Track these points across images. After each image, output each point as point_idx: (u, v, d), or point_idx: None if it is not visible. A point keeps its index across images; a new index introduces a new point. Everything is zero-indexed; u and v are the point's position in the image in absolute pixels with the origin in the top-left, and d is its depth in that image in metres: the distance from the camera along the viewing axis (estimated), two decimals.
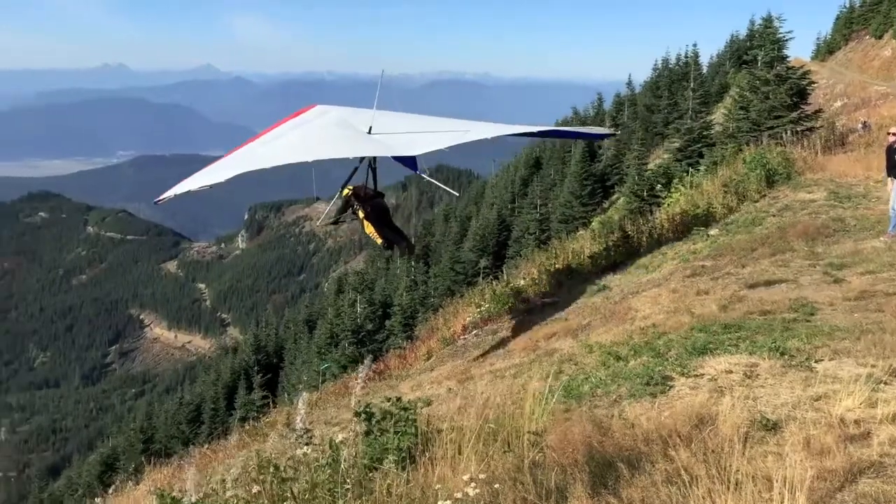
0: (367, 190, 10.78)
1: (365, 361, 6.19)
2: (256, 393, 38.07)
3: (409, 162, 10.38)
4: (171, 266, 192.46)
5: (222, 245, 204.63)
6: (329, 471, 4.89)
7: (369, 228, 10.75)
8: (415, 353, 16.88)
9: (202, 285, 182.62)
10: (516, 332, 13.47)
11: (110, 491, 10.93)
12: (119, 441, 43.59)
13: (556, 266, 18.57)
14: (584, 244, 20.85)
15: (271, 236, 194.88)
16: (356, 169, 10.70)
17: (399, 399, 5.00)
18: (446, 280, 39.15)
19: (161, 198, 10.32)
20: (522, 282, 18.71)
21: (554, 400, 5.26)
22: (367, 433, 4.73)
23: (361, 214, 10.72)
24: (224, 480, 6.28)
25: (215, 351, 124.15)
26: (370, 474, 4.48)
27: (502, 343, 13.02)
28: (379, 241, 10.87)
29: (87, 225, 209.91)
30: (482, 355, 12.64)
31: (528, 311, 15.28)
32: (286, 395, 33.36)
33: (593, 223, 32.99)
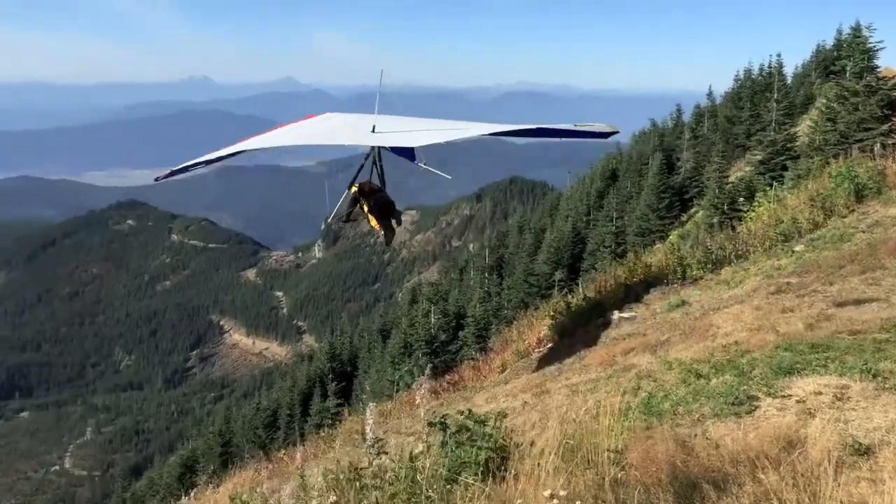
0: (372, 185, 11.17)
1: (425, 373, 6.19)
2: (331, 400, 38.59)
3: (408, 154, 10.57)
4: (251, 274, 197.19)
5: (299, 254, 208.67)
6: (408, 481, 4.91)
7: (373, 222, 11.29)
8: (489, 365, 16.85)
9: (279, 293, 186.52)
10: (592, 346, 13.31)
11: (192, 494, 11.24)
12: (198, 444, 44.73)
13: (633, 280, 18.29)
14: (661, 258, 20.48)
15: (347, 246, 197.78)
16: (362, 166, 11.21)
17: (471, 412, 5.01)
18: (520, 292, 38.94)
19: (161, 175, 10.87)
20: (598, 295, 18.50)
21: (634, 417, 5.18)
22: (444, 445, 4.74)
23: (366, 208, 11.19)
24: (305, 488, 6.38)
25: (291, 358, 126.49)
26: (449, 487, 4.49)
27: (578, 357, 12.87)
28: (382, 234, 11.37)
29: (171, 233, 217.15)
30: (557, 369, 12.54)
31: (604, 326, 15.09)
32: (360, 404, 33.72)
33: (671, 236, 32.36)
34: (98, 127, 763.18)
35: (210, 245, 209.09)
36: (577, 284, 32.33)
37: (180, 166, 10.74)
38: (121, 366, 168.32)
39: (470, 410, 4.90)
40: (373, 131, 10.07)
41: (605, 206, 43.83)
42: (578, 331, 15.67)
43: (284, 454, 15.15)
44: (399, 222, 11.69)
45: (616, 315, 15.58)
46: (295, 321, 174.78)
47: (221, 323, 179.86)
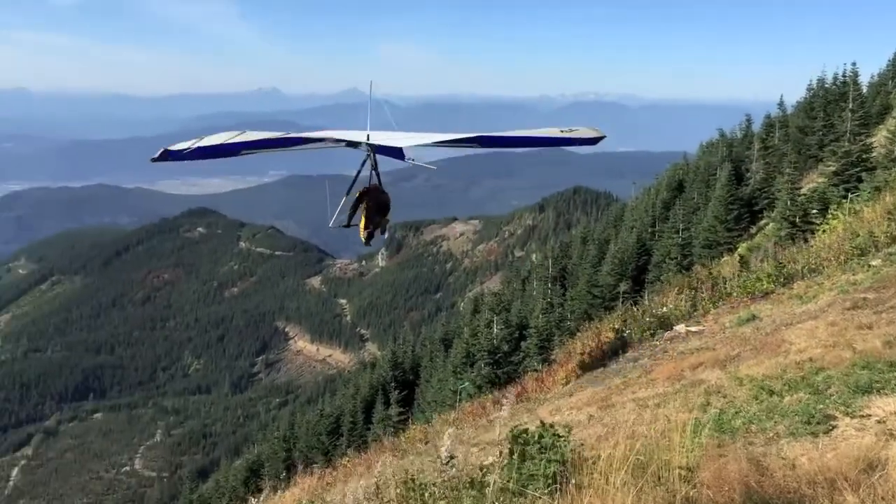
0: (376, 186, 11.68)
1: (508, 389, 6.21)
2: (393, 409, 38.78)
3: (397, 153, 10.75)
4: (315, 281, 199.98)
5: (363, 262, 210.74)
6: (474, 493, 4.92)
7: (362, 222, 11.67)
8: (552, 376, 16.73)
9: (343, 301, 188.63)
10: (659, 360, 13.11)
11: (262, 497, 11.43)
12: (263, 448, 45.50)
13: (701, 293, 17.96)
14: (730, 271, 20.06)
15: (410, 255, 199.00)
16: (358, 173, 11.74)
17: (548, 425, 4.98)
18: (583, 303, 38.56)
19: (155, 157, 10.59)
20: (664, 308, 18.21)
21: (705, 434, 5.09)
22: (513, 457, 4.73)
23: (365, 207, 11.65)
24: (368, 495, 6.44)
25: (354, 365, 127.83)
26: (517, 500, 4.48)
27: (644, 371, 12.70)
28: (363, 235, 11.80)
29: (239, 240, 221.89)
30: (623, 383, 12.38)
31: (671, 339, 14.85)
32: (422, 413, 33.81)
33: (739, 249, 31.64)
34: (171, 137, 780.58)
35: (276, 253, 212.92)
36: (642, 296, 31.87)
37: (177, 148, 10.50)
38: (190, 370, 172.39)
39: (542, 423, 4.88)
40: (367, 139, 11.00)
41: (670, 217, 43.08)
42: (644, 344, 15.46)
43: (348, 461, 15.30)
44: (384, 231, 12.23)
45: (683, 328, 15.31)
46: (358, 329, 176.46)
47: (287, 329, 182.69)
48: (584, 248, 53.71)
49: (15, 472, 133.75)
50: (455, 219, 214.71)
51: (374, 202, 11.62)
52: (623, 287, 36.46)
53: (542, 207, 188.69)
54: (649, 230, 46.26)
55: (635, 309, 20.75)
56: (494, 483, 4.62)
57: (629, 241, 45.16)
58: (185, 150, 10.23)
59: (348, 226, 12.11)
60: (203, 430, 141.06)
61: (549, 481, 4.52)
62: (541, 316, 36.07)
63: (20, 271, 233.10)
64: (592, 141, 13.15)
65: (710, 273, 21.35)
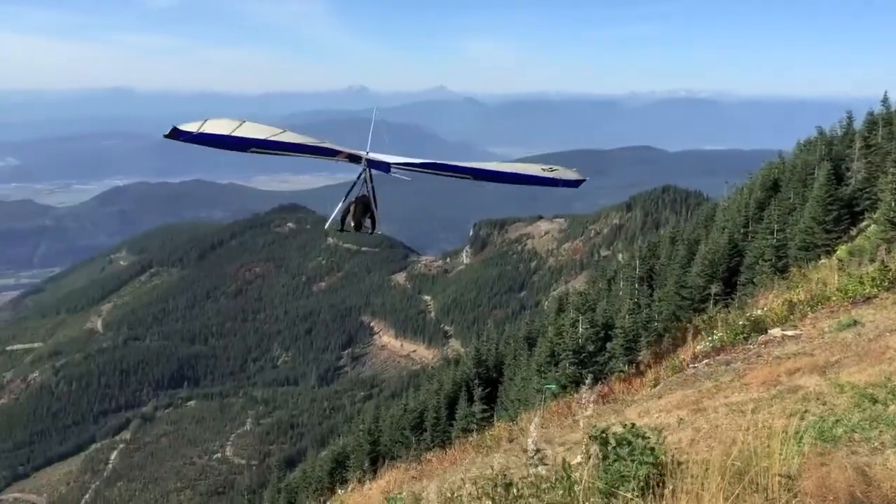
0: (365, 195, 13.56)
1: (586, 383, 6.13)
2: (477, 406, 38.80)
3: (384, 167, 12.75)
4: (400, 278, 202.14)
5: (447, 259, 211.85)
6: (562, 492, 4.88)
7: (351, 217, 13.50)
8: (640, 378, 16.45)
9: (428, 297, 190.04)
10: (753, 364, 12.71)
11: (348, 488, 11.65)
12: (348, 440, 46.26)
13: (797, 296, 17.32)
14: (828, 274, 19.29)
15: (494, 252, 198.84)
16: (354, 184, 13.45)
17: (633, 426, 4.90)
18: (671, 305, 37.71)
19: (167, 133, 11.80)
20: (759, 311, 17.64)
21: (805, 441, 4.92)
22: (604, 458, 4.66)
23: (352, 208, 13.45)
24: (457, 490, 6.47)
25: (438, 361, 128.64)
26: (607, 501, 4.43)
27: (737, 375, 12.34)
28: (353, 224, 13.58)
29: (327, 236, 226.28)
30: (715, 386, 12.06)
31: (765, 343, 14.39)
32: (505, 411, 33.76)
33: (838, 252, 30.34)
34: None
35: (363, 248, 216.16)
36: (734, 299, 30.97)
37: (186, 129, 11.71)
38: (278, 361, 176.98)
39: (633, 424, 4.80)
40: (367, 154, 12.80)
41: (765, 217, 41.63)
42: (737, 347, 15.02)
43: (432, 456, 15.43)
44: (372, 230, 14.07)
45: (778, 332, 14.81)
46: (442, 325, 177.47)
47: (372, 324, 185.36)
48: (672, 248, 52.49)
49: (114, 455, 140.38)
50: (540, 217, 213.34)
51: (361, 207, 13.39)
52: (714, 289, 35.50)
53: (629, 206, 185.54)
54: (742, 231, 44.83)
55: (727, 311, 20.17)
56: (584, 482, 4.58)
57: (720, 241, 43.88)
58: (194, 133, 11.51)
59: (341, 230, 14.02)
60: (291, 420, 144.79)
61: (641, 483, 4.45)
62: (627, 316, 35.47)
63: (122, 263, 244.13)
64: (574, 183, 13.83)
65: (807, 276, 20.56)
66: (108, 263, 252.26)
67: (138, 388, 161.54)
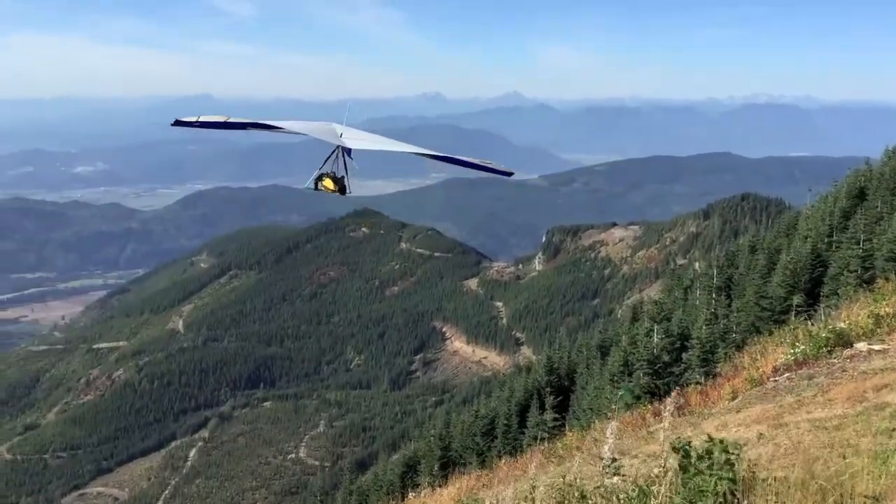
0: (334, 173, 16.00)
1: (671, 396, 6.06)
2: (548, 414, 38.55)
3: (348, 151, 15.45)
4: (472, 283, 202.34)
5: (520, 266, 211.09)
6: (638, 502, 4.86)
7: (329, 184, 16.14)
8: (717, 391, 16.10)
9: (499, 303, 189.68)
10: (837, 379, 12.31)
11: (420, 493, 11.76)
12: (419, 445, 46.53)
13: (885, 309, 16.69)
14: None
15: (567, 259, 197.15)
16: (328, 159, 15.90)
17: (717, 440, 4.82)
18: (750, 315, 36.70)
19: (172, 123, 13.96)
20: (843, 324, 17.04)
21: (892, 462, 4.77)
22: (683, 471, 4.61)
23: (325, 180, 16.09)
24: (530, 498, 6.49)
25: (509, 368, 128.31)
26: None
27: (820, 390, 11.96)
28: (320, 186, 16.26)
29: (400, 241, 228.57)
30: (796, 401, 11.73)
31: (850, 357, 13.91)
32: (577, 420, 33.46)
33: None
34: None
35: (435, 254, 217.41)
36: (817, 311, 29.97)
37: (193, 120, 13.86)
38: (351, 364, 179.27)
39: (710, 438, 4.73)
40: (340, 136, 15.02)
41: (850, 226, 40.16)
42: (820, 361, 14.56)
43: (503, 463, 15.42)
44: (344, 190, 16.47)
45: (865, 346, 14.30)
46: (513, 332, 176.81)
47: (444, 329, 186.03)
48: (752, 258, 51.13)
49: (193, 452, 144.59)
50: (614, 224, 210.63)
51: (333, 177, 16.03)
52: (796, 300, 34.38)
53: (706, 214, 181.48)
54: (825, 240, 43.36)
55: (809, 323, 19.57)
56: (662, 495, 4.55)
57: (803, 251, 42.52)
58: (194, 121, 13.71)
59: (315, 189, 16.60)
60: (363, 423, 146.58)
61: (720, 499, 4.39)
62: (704, 327, 34.74)
63: (202, 265, 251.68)
64: (505, 173, 16.34)
65: (895, 289, 19.78)
66: (189, 266, 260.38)
67: (216, 387, 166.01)
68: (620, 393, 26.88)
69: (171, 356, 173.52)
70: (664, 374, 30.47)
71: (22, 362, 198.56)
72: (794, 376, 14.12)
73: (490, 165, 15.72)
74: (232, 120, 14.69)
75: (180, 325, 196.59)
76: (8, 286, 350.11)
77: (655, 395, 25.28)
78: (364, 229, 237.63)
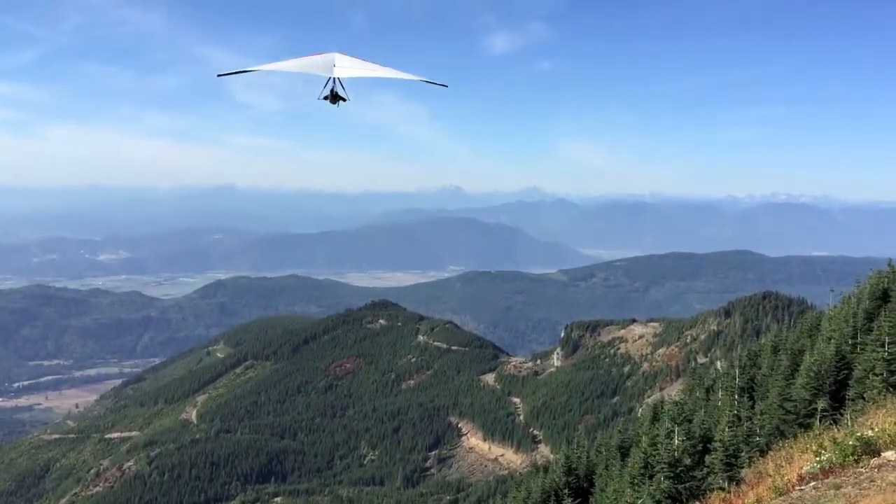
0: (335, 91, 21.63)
1: None
2: None
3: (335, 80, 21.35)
4: (490, 378, 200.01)
5: (538, 361, 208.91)
6: None
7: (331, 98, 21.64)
8: (741, 498, 15.57)
9: (517, 400, 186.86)
10: (866, 490, 11.87)
11: None
12: None
13: None
14: None
15: (586, 356, 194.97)
16: (327, 82, 21.40)
17: None
18: (774, 418, 35.82)
19: (226, 73, 21.49)
20: (870, 432, 16.55)
21: None
22: None
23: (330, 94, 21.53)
24: None
25: (526, 467, 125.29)
26: None
27: (848, 500, 11.53)
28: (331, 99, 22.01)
29: (418, 333, 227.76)
30: None
31: (878, 467, 13.45)
32: None
33: None
34: (358, 232, 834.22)
35: (453, 347, 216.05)
36: (843, 415, 29.21)
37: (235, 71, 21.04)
38: (365, 460, 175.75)
39: None
40: (334, 65, 20.22)
41: (874, 328, 39.57)
42: (847, 470, 14.08)
43: None
44: (341, 99, 22.11)
45: (893, 455, 13.85)
46: (531, 429, 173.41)
47: (460, 425, 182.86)
48: (775, 358, 50.33)
49: None
50: (634, 320, 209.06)
51: (332, 95, 21.48)
52: (821, 404, 33.59)
53: (727, 312, 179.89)
54: (850, 342, 42.65)
55: (835, 429, 19.02)
56: None
57: (827, 352, 41.77)
58: (238, 71, 20.62)
59: (326, 98, 21.64)
60: None
61: None
62: (727, 429, 33.90)
63: (218, 354, 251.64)
64: (442, 85, 22.41)
65: None
66: (205, 355, 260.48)
67: (227, 480, 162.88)
68: (640, 501, 26.10)
69: (182, 447, 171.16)
70: (686, 479, 29.56)
71: (33, 451, 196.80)
72: (820, 485, 13.64)
73: (425, 79, 21.43)
74: (251, 69, 20.46)
75: (193, 415, 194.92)
76: (25, 373, 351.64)
77: (677, 500, 24.50)
78: (382, 321, 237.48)
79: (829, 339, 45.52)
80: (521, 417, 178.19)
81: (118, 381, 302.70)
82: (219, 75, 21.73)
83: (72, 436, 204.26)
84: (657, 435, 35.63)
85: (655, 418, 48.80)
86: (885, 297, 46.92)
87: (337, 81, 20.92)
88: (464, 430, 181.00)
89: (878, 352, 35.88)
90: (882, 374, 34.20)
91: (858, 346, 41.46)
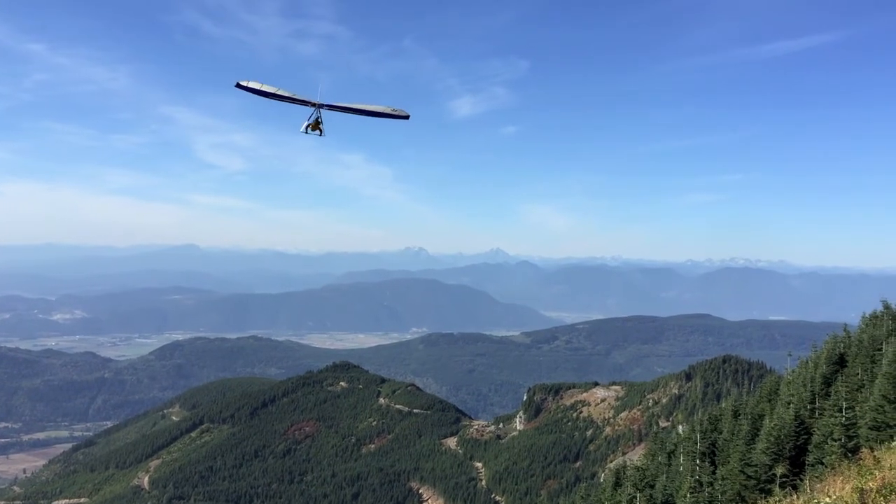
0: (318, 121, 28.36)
1: None
2: None
3: (319, 112, 28.26)
4: (452, 442, 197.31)
5: (500, 425, 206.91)
6: None
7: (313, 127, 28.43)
8: None
9: (479, 464, 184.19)
10: None
11: None
12: None
13: (869, 484, 16.23)
14: None
15: (548, 419, 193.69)
16: (311, 115, 28.76)
17: None
18: (735, 484, 35.74)
19: (243, 83, 27.48)
20: (828, 499, 16.52)
21: None
22: None
23: (312, 125, 26.94)
24: None
25: None
26: None
27: None
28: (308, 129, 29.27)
29: (379, 396, 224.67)
30: None
31: None
32: None
33: None
34: (320, 292, 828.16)
35: (415, 410, 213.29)
36: (803, 481, 29.21)
37: (251, 86, 27.31)
38: None
39: None
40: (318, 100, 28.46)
41: (832, 393, 40.02)
42: None
43: None
44: (320, 131, 29.08)
45: None
46: (493, 495, 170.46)
47: (421, 491, 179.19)
48: (735, 423, 50.50)
49: None
50: (596, 383, 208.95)
51: (314, 124, 26.91)
52: (780, 469, 33.65)
53: (688, 375, 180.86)
54: (808, 407, 43.03)
55: (794, 496, 18.94)
56: None
57: (786, 417, 42.07)
58: (253, 87, 26.53)
59: (306, 132, 28.24)
60: None
61: None
62: (688, 495, 33.77)
63: (174, 418, 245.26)
64: (402, 117, 27.88)
65: (879, 460, 19.34)
66: (160, 418, 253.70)
67: None
68: None
69: None
70: None
71: None
72: None
73: (389, 112, 26.29)
74: (265, 89, 26.67)
75: (146, 481, 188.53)
76: None
77: None
78: (342, 383, 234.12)
79: (788, 404, 45.85)
80: (483, 482, 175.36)
81: (69, 445, 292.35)
82: (237, 84, 27.28)
83: (18, 502, 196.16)
84: (619, 501, 35.29)
85: (618, 484, 48.46)
86: (841, 361, 47.61)
87: (321, 112, 26.87)
88: (425, 496, 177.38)
89: (836, 416, 36.20)
90: (840, 440, 34.43)
91: (817, 411, 41.82)
